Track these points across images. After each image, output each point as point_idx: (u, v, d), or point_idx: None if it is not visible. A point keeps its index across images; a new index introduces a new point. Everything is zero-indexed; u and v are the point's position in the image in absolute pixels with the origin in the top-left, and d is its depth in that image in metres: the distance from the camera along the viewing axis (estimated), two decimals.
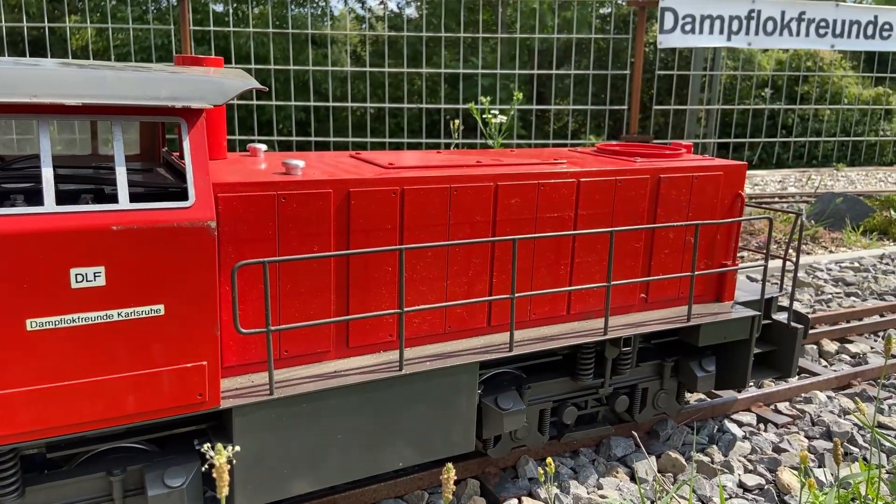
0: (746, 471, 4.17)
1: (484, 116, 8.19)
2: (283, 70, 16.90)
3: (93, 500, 2.83)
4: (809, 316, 4.77)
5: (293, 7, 19.90)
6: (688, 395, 4.73)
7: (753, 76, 20.56)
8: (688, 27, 14.79)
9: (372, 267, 3.23)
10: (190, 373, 2.68)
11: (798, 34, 15.72)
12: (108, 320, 2.50)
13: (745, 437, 4.52)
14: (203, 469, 2.88)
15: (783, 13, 15.41)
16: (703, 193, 4.10)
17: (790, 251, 4.37)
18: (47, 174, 2.39)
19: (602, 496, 3.81)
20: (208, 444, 1.74)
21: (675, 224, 3.95)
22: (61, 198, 2.58)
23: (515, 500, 3.75)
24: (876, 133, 21.15)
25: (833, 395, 5.13)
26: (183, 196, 2.60)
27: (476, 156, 3.97)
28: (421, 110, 17.62)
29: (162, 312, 2.58)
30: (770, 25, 15.34)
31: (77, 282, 2.42)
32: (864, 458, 4.35)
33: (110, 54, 16.18)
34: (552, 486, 3.79)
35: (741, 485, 4.03)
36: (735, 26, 15.09)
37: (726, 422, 4.68)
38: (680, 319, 3.99)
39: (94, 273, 2.45)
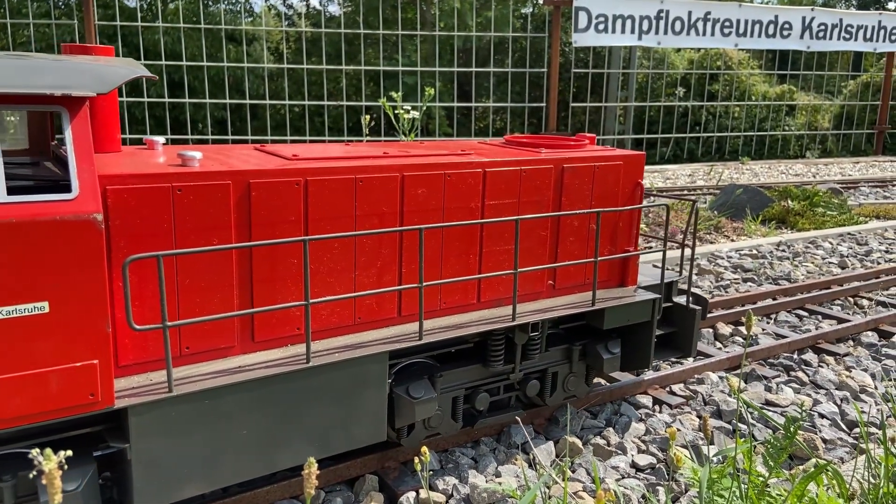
0: (640, 451, 4.32)
1: (396, 112, 8.18)
2: (198, 67, 16.40)
3: None
4: (708, 300, 5.00)
5: (210, 3, 19.35)
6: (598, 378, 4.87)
7: (665, 74, 21.34)
8: (601, 26, 15.22)
9: (276, 260, 3.20)
10: (79, 372, 2.58)
11: (704, 34, 16.44)
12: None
13: (640, 419, 4.69)
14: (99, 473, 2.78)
15: (690, 13, 16.08)
16: (605, 182, 4.25)
17: (688, 238, 4.56)
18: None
19: (500, 483, 3.87)
20: (37, 450, 1.66)
21: (579, 212, 4.07)
22: None
23: (413, 493, 3.76)
24: (781, 128, 22.34)
25: (725, 375, 5.37)
26: (67, 188, 2.49)
27: (383, 147, 3.99)
28: (343, 109, 17.44)
29: (47, 310, 2.48)
30: (678, 25, 15.97)
31: None
32: (753, 435, 4.59)
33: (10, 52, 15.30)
34: (426, 474, 3.82)
35: (634, 465, 4.17)
36: (645, 26, 15.63)
37: (623, 405, 4.84)
38: (585, 304, 4.11)
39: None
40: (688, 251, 4.58)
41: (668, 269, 4.57)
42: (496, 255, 3.89)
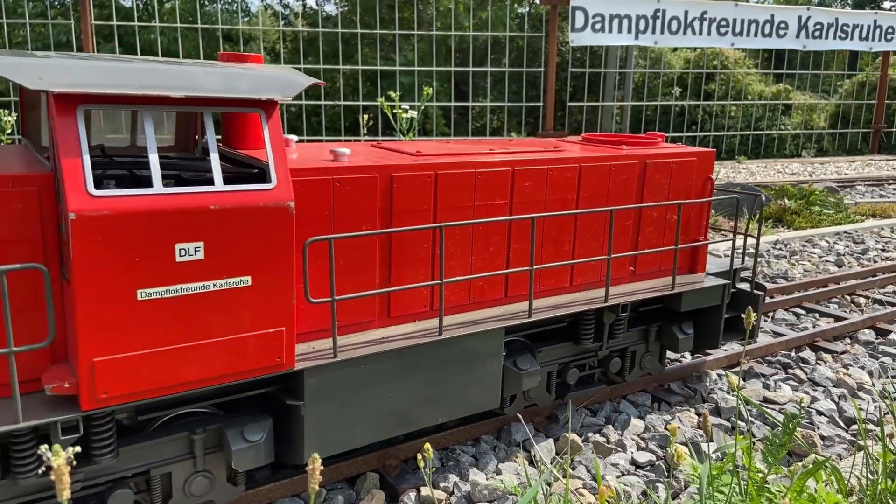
0: (639, 448, 4.34)
1: (394, 112, 8.19)
2: None
3: (175, 458, 3.08)
4: (766, 287, 5.34)
5: (207, 3, 19.32)
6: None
7: (661, 74, 21.38)
8: (598, 26, 15.25)
9: (411, 244, 3.60)
10: (271, 337, 2.97)
11: (701, 33, 16.48)
12: (205, 290, 2.78)
13: (639, 417, 4.71)
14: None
15: (686, 13, 16.11)
16: (681, 177, 4.61)
17: (742, 229, 4.92)
18: (153, 159, 2.65)
19: (500, 481, 3.88)
20: (46, 446, 1.68)
21: (663, 203, 4.46)
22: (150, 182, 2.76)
23: (414, 491, 3.77)
24: (777, 127, 22.40)
25: (723, 373, 5.40)
26: (263, 179, 2.89)
27: (487, 144, 4.40)
28: (340, 108, 17.42)
29: (249, 283, 2.87)
30: (674, 24, 16.01)
31: (181, 256, 2.70)
32: (751, 432, 4.61)
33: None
34: (430, 471, 3.83)
35: (633, 462, 4.19)
36: (642, 25, 15.66)
37: (623, 402, 4.86)
38: (665, 288, 4.48)
39: (195, 248, 2.73)
40: (751, 240, 4.82)
41: (725, 258, 4.92)
42: (587, 243, 4.26)
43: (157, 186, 2.64)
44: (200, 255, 2.73)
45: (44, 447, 1.75)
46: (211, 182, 2.75)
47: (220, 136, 3.62)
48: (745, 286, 4.98)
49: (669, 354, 5.30)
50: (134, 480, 3.05)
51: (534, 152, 4.12)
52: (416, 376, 3.49)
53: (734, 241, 4.78)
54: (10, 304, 2.53)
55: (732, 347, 5.94)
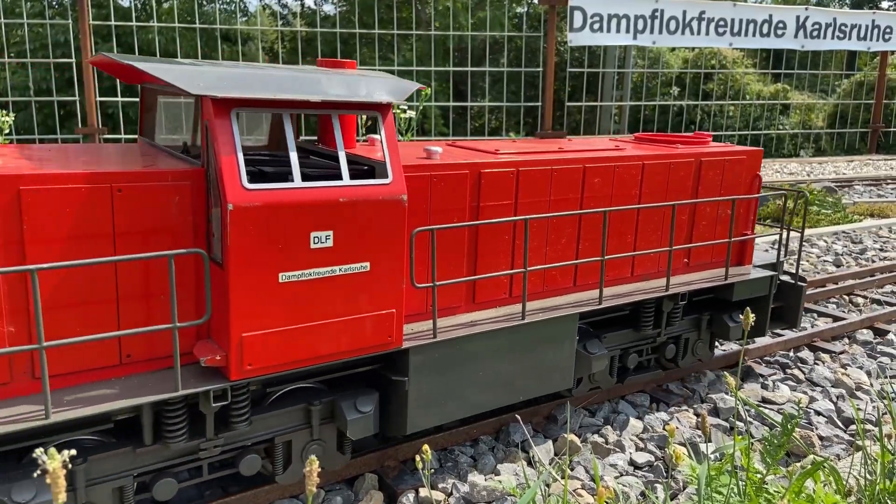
0: (638, 449, 4.34)
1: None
2: None
3: (295, 428, 3.40)
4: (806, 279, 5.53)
5: (205, 2, 19.30)
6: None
7: (661, 73, 21.38)
8: (596, 26, 15.24)
9: (495, 236, 3.87)
10: (384, 318, 3.26)
11: (699, 33, 16.47)
12: (333, 275, 3.07)
13: (638, 417, 4.71)
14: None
15: (685, 12, 16.10)
16: (732, 174, 4.90)
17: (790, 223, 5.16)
18: (293, 157, 2.95)
19: (499, 482, 3.88)
20: (41, 449, 1.68)
21: (722, 199, 4.76)
22: (280, 177, 3.02)
23: (413, 492, 3.77)
24: (775, 127, 22.41)
25: (722, 373, 5.40)
26: (368, 175, 3.21)
27: (556, 143, 4.73)
28: None
29: (368, 269, 3.16)
30: (673, 24, 16.00)
31: (314, 243, 3.00)
32: (750, 433, 4.61)
33: (4, 52, 15.23)
34: (428, 472, 3.83)
35: (632, 462, 4.19)
36: (640, 25, 15.65)
37: (621, 403, 4.86)
38: (718, 278, 4.78)
39: (326, 236, 3.02)
40: (794, 234, 5.29)
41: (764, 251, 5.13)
42: (647, 236, 4.54)
43: (297, 181, 2.94)
44: (330, 243, 3.05)
45: (39, 450, 1.75)
46: (338, 177, 3.04)
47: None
48: (785, 278, 5.27)
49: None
50: (261, 447, 3.37)
51: (600, 150, 4.44)
52: (501, 357, 3.78)
53: (780, 236, 5.07)
54: (160, 286, 2.92)
55: (731, 347, 5.94)
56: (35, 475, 2.29)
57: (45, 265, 2.58)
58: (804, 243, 9.85)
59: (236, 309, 2.87)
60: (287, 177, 2.97)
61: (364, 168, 3.36)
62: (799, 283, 5.20)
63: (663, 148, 4.76)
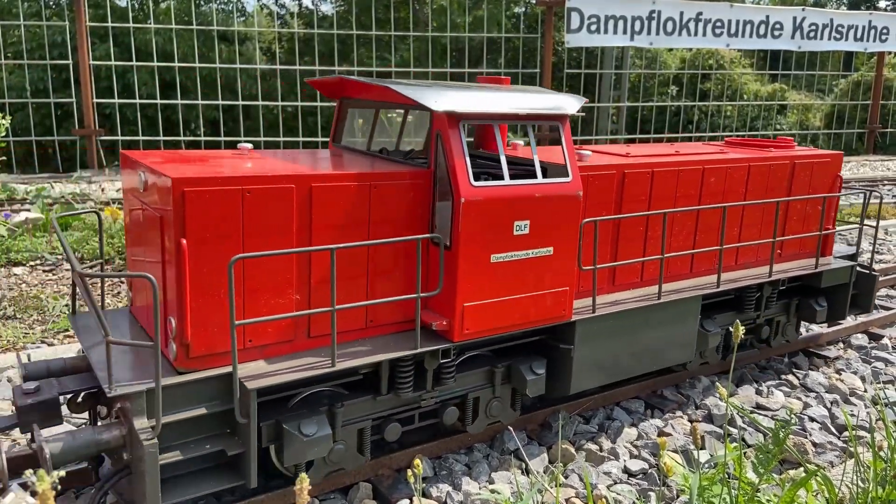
0: (632, 456, 4.35)
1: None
2: (190, 67, 16.33)
3: (482, 386, 4.02)
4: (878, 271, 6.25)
5: (202, 2, 19.26)
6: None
7: (658, 74, 21.38)
8: (593, 27, 15.23)
9: (631, 227, 4.46)
10: (561, 295, 3.89)
11: (696, 34, 16.47)
12: (527, 257, 3.70)
13: (632, 424, 4.72)
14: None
15: (682, 14, 16.10)
16: (819, 174, 5.46)
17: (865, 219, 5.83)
18: (503, 160, 3.61)
19: (493, 490, 3.89)
20: (31, 471, 1.68)
21: (816, 196, 5.33)
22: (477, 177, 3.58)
23: (407, 501, 3.78)
24: (772, 127, 22.43)
25: (716, 379, 5.41)
26: (561, 174, 3.81)
27: (661, 148, 5.29)
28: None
29: (551, 252, 3.79)
30: (670, 25, 16.00)
31: (516, 231, 3.64)
32: (744, 439, 4.63)
33: (1, 53, 15.20)
34: (420, 486, 3.84)
35: (626, 470, 4.20)
36: (637, 26, 15.64)
37: (616, 410, 4.87)
38: (809, 267, 5.42)
39: (525, 224, 3.65)
40: (868, 230, 5.90)
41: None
42: (749, 229, 5.10)
43: (507, 179, 3.58)
44: (527, 231, 3.67)
45: (28, 471, 1.76)
46: (534, 176, 3.67)
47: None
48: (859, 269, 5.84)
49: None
50: (456, 402, 3.96)
51: (712, 154, 5.02)
52: (642, 331, 4.39)
53: (860, 229, 5.72)
54: (395, 264, 3.61)
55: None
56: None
57: (341, 245, 3.23)
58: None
59: (461, 283, 3.53)
60: (491, 177, 3.65)
61: (527, 168, 3.94)
62: (872, 272, 5.81)
63: (760, 151, 5.33)
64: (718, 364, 5.34)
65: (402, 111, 4.50)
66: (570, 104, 3.86)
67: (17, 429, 3.24)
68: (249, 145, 3.92)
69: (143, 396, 2.98)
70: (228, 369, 3.13)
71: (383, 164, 3.83)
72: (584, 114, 18.99)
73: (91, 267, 6.23)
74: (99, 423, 3.40)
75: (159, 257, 3.20)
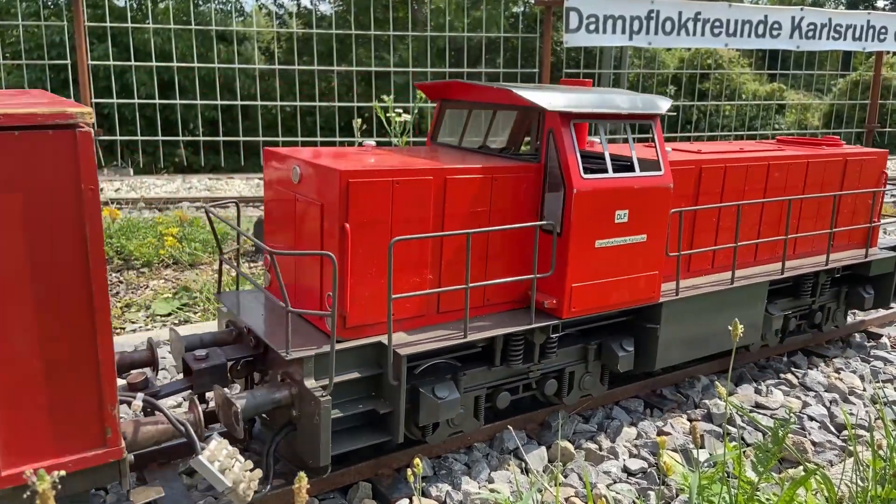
0: (631, 455, 4.35)
1: (388, 115, 8.17)
2: (189, 67, 16.32)
3: (576, 362, 4.38)
4: None
5: (200, 2, 19.26)
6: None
7: (657, 74, 21.38)
8: (592, 27, 15.22)
9: (707, 218, 4.86)
10: (651, 278, 4.30)
11: (695, 34, 16.45)
12: (625, 243, 4.10)
13: (632, 423, 4.71)
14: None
15: (680, 13, 16.08)
16: (867, 171, 5.86)
17: None
18: (607, 156, 4.02)
19: (493, 490, 3.89)
20: (32, 470, 1.68)
21: (867, 191, 5.77)
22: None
23: (406, 500, 3.77)
24: (771, 126, 22.43)
25: (715, 378, 5.41)
26: (654, 168, 4.20)
27: (729, 146, 5.64)
28: (335, 109, 17.37)
29: (645, 239, 4.19)
30: (668, 25, 15.98)
31: (617, 219, 4.04)
32: (743, 438, 4.63)
33: None
34: (419, 486, 3.84)
35: (625, 469, 4.20)
36: (636, 26, 15.63)
37: (615, 409, 4.87)
38: (859, 257, 5.80)
39: (624, 213, 4.05)
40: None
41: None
42: (805, 222, 5.48)
43: (610, 172, 3.99)
44: (626, 219, 4.07)
45: (29, 471, 1.76)
46: (632, 170, 4.09)
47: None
48: None
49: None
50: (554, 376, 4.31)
51: (774, 151, 5.42)
52: (717, 313, 4.73)
53: None
54: (510, 249, 4.00)
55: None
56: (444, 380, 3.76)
57: (475, 230, 3.66)
58: None
59: (571, 266, 3.95)
60: (596, 170, 4.02)
61: (625, 164, 4.26)
62: None
63: (815, 149, 5.71)
64: (776, 347, 5.73)
65: (490, 111, 4.93)
66: (662, 104, 4.28)
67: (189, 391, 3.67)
68: (373, 142, 4.31)
69: (311, 361, 3.42)
70: (377, 339, 3.61)
71: (497, 159, 4.20)
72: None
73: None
74: (264, 386, 3.75)
75: (317, 240, 3.61)
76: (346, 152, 4.15)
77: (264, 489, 3.39)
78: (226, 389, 3.48)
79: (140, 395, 3.26)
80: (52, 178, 2.44)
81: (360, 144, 4.35)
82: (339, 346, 3.41)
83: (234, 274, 4.68)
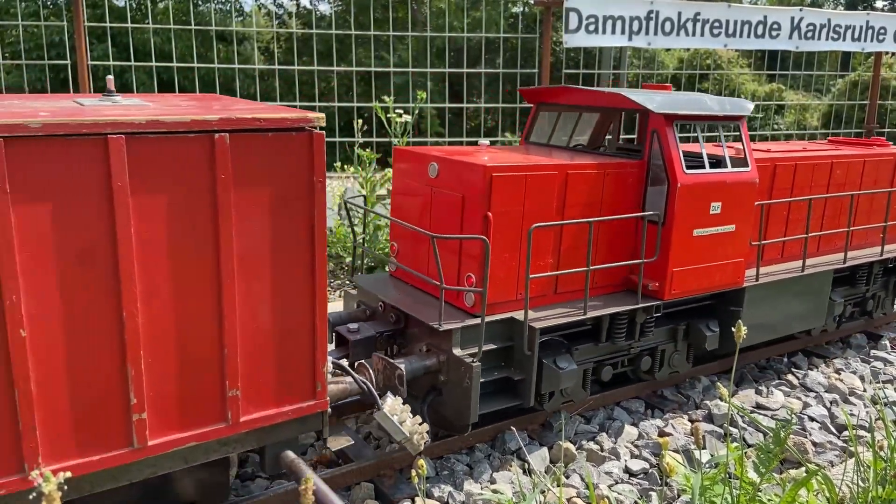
0: (633, 456, 4.36)
1: (388, 115, 8.18)
2: (189, 67, 16.30)
3: (666, 341, 4.84)
4: None
5: (200, 2, 19.25)
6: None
7: (657, 74, 21.37)
8: (591, 27, 15.21)
9: (779, 211, 5.29)
10: (737, 265, 4.78)
11: (694, 34, 16.44)
12: (717, 232, 4.58)
13: (633, 424, 4.72)
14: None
15: (679, 14, 16.08)
16: None
17: None
18: (704, 154, 4.50)
19: (495, 490, 3.89)
20: (38, 471, 1.69)
21: None
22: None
23: (409, 501, 3.78)
24: (770, 127, 22.45)
25: (716, 379, 5.42)
26: (742, 164, 4.71)
27: (792, 146, 6.11)
28: (335, 109, 17.37)
29: (733, 229, 4.66)
30: (668, 26, 15.98)
31: (711, 210, 4.51)
32: (744, 439, 4.63)
33: None
34: (423, 487, 3.85)
35: (627, 470, 4.20)
36: (635, 26, 15.63)
37: (616, 409, 4.87)
38: None
39: (718, 206, 4.53)
40: None
41: None
42: (860, 215, 5.92)
43: (707, 168, 4.48)
44: (719, 211, 4.54)
45: (34, 473, 1.76)
46: (725, 166, 4.58)
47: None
48: None
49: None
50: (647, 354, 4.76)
51: (835, 150, 5.87)
52: (789, 298, 5.21)
53: None
54: (613, 237, 4.46)
55: None
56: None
57: (596, 218, 4.19)
58: None
59: (673, 252, 4.43)
60: (695, 166, 4.45)
61: (713, 161, 4.67)
62: None
63: (867, 149, 6.14)
64: (834, 332, 6.10)
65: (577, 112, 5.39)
66: (748, 106, 4.81)
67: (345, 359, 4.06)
68: (487, 141, 4.70)
69: (459, 332, 3.90)
70: (509, 314, 4.10)
71: (604, 157, 4.72)
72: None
73: None
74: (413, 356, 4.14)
75: (456, 228, 4.08)
76: (473, 150, 4.55)
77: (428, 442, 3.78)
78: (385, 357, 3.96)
79: (330, 358, 3.59)
80: (294, 172, 2.88)
81: (484, 143, 4.79)
82: (477, 321, 3.89)
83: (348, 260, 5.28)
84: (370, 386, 3.68)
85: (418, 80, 17.52)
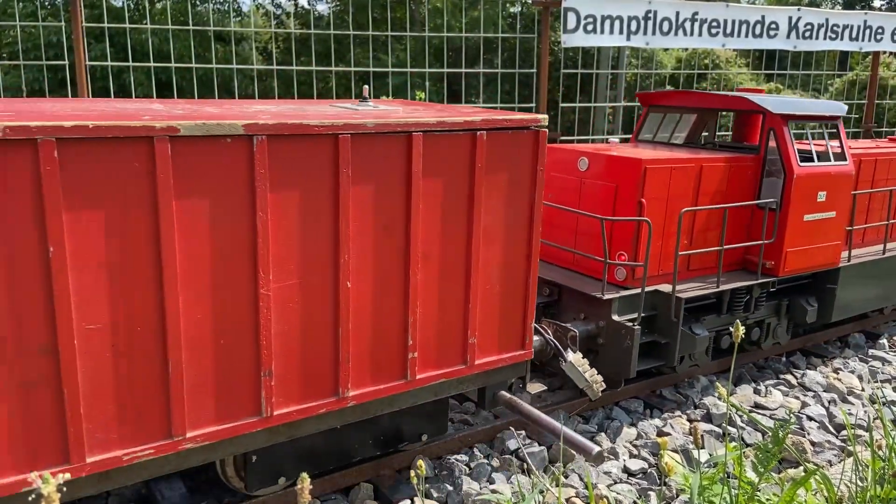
0: (631, 456, 4.37)
1: None
2: (187, 67, 16.28)
3: (772, 315, 5.43)
4: None
5: (198, 2, 19.22)
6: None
7: (655, 74, 21.38)
8: (590, 27, 15.22)
9: (862, 201, 5.84)
10: (836, 247, 5.43)
11: (692, 34, 16.45)
12: (822, 217, 5.29)
13: (631, 424, 4.73)
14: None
15: (678, 13, 16.10)
16: None
17: None
18: (812, 149, 5.17)
19: (494, 491, 3.90)
20: (36, 473, 1.69)
21: None
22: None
23: (408, 502, 3.78)
24: None
25: (714, 379, 5.43)
26: (844, 158, 5.40)
27: (866, 143, 6.83)
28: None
29: (834, 216, 5.31)
30: (666, 25, 15.99)
31: (818, 198, 5.17)
32: (742, 438, 4.64)
33: None
34: (422, 488, 3.85)
35: (626, 470, 4.21)
36: (634, 26, 15.64)
37: (615, 409, 4.88)
38: None
39: (823, 194, 5.17)
40: None
41: None
42: None
43: (815, 161, 5.13)
44: (824, 199, 5.18)
45: (34, 474, 1.76)
46: (829, 159, 5.25)
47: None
48: None
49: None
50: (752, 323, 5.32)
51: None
52: (876, 278, 5.82)
53: None
54: (733, 221, 4.97)
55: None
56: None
57: (730, 204, 4.89)
58: None
59: (788, 235, 5.07)
60: (806, 159, 5.09)
61: (809, 155, 5.24)
62: None
63: None
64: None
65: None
66: (842, 108, 5.42)
67: None
68: (616, 138, 5.22)
69: (618, 301, 4.58)
70: (653, 287, 4.71)
71: (726, 151, 5.32)
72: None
73: None
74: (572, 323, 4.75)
75: (608, 213, 4.67)
76: (617, 146, 5.20)
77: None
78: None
79: None
80: (524, 162, 3.61)
81: (607, 141, 5.33)
82: (629, 293, 4.61)
83: None
84: (557, 344, 4.32)
85: (416, 80, 17.51)
